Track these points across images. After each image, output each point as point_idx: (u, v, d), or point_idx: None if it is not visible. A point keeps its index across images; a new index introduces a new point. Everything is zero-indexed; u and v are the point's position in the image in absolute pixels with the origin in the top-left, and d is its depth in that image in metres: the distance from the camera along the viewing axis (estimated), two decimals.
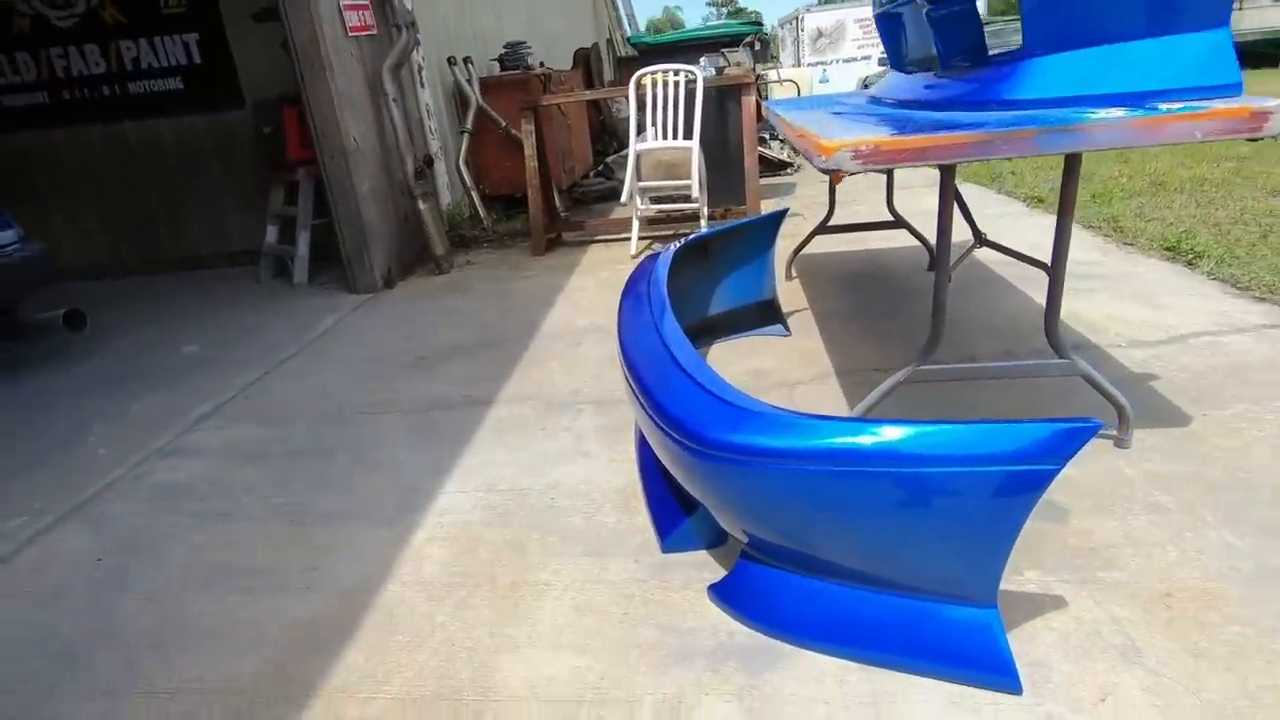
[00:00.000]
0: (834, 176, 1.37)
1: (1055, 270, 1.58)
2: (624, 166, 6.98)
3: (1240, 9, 19.53)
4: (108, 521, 1.86)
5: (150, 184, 4.61)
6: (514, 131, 5.03)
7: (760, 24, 5.47)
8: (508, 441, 2.04)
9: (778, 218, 2.52)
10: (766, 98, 7.20)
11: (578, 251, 4.31)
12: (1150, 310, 2.50)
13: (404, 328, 3.23)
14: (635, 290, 1.93)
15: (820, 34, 12.92)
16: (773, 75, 8.11)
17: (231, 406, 2.52)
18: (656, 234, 4.33)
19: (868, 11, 13.50)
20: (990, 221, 3.71)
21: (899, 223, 3.16)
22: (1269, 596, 1.22)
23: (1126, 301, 2.60)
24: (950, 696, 1.08)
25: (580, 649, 1.26)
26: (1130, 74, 1.42)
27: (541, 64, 5.72)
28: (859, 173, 1.36)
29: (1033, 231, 3.55)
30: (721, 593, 1.30)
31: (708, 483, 1.24)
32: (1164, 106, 1.31)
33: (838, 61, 12.91)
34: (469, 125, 4.97)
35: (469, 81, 5.04)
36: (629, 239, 4.10)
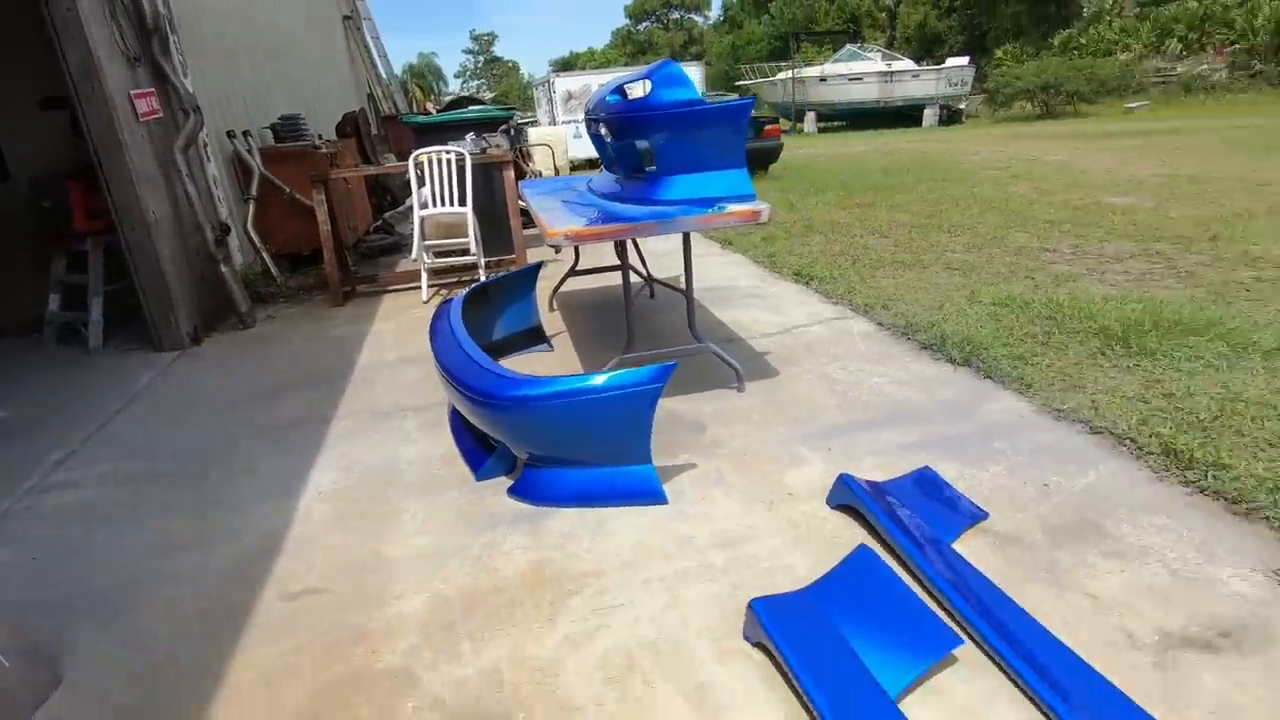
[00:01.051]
0: (557, 249, 2.41)
1: (688, 296, 2.79)
2: (402, 221, 7.72)
3: (890, 82, 24.85)
4: (21, 537, 2.30)
5: None
6: (298, 196, 5.58)
7: (514, 108, 6.57)
8: (353, 440, 2.80)
9: (536, 268, 3.56)
10: (530, 157, 8.35)
11: (373, 301, 5.00)
12: (778, 315, 3.92)
13: (230, 374, 3.73)
14: (439, 322, 2.82)
15: (570, 96, 14.56)
16: (533, 137, 9.31)
17: (85, 450, 2.93)
18: (442, 281, 5.17)
19: (610, 77, 15.50)
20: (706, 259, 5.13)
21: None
22: (756, 447, 2.44)
23: (767, 310, 4.02)
24: (635, 510, 2.13)
25: (434, 534, 2.12)
26: (709, 188, 2.65)
27: (321, 136, 6.28)
28: (570, 246, 2.42)
29: (728, 268, 5.02)
30: (514, 490, 2.25)
31: (499, 423, 2.18)
32: (719, 206, 2.55)
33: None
34: (254, 192, 5.41)
35: (250, 152, 5.49)
36: (419, 288, 4.90)
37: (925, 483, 2.09)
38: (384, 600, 1.84)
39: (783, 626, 1.50)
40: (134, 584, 2.01)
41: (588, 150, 15.07)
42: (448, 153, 4.71)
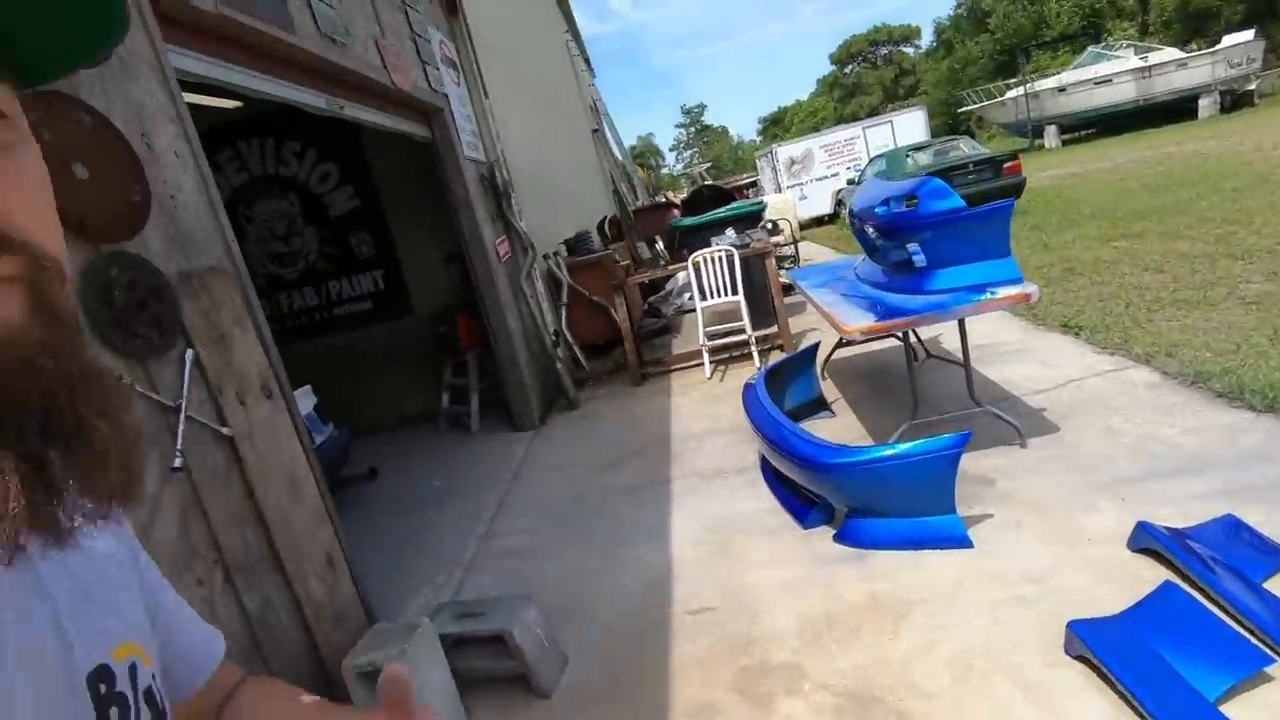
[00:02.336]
0: (851, 342, 3.04)
1: (966, 368, 3.23)
2: (664, 303, 8.82)
3: (1149, 77, 22.16)
4: (491, 569, 3.41)
5: (349, 374, 6.39)
6: (595, 298, 6.88)
7: (763, 203, 7.41)
8: (693, 499, 3.62)
9: (814, 349, 4.22)
10: (774, 230, 9.18)
11: (663, 380, 6.01)
12: (1049, 369, 4.12)
13: (575, 447, 4.86)
14: (751, 400, 3.57)
15: (793, 162, 15.34)
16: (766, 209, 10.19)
17: (503, 510, 4.11)
18: (719, 359, 6.04)
19: (829, 139, 16.07)
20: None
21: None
22: (1048, 497, 2.75)
23: (1036, 365, 4.23)
24: (945, 553, 2.61)
25: (783, 569, 2.79)
26: (976, 276, 3.12)
27: (607, 247, 7.67)
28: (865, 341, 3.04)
29: (986, 323, 5.25)
30: (840, 536, 2.86)
31: (825, 484, 2.82)
32: (989, 293, 3.00)
33: (811, 181, 15.28)
34: (564, 299, 6.81)
35: (559, 268, 6.93)
36: (701, 365, 5.80)
37: (1229, 528, 2.31)
38: (760, 616, 2.53)
39: (1102, 643, 1.91)
40: (576, 599, 2.94)
41: (811, 210, 15.69)
42: (721, 251, 5.61)
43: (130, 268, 1.85)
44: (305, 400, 4.13)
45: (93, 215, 1.76)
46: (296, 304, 6.32)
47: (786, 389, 4.16)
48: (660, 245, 12.28)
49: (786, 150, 15.84)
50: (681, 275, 7.67)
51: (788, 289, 7.69)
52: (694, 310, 5.93)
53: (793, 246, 9.88)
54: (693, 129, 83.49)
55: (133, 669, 0.47)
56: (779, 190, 15.36)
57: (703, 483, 3.77)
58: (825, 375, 4.89)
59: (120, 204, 1.88)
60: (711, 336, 5.76)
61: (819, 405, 4.24)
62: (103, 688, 0.44)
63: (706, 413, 4.87)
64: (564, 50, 14.39)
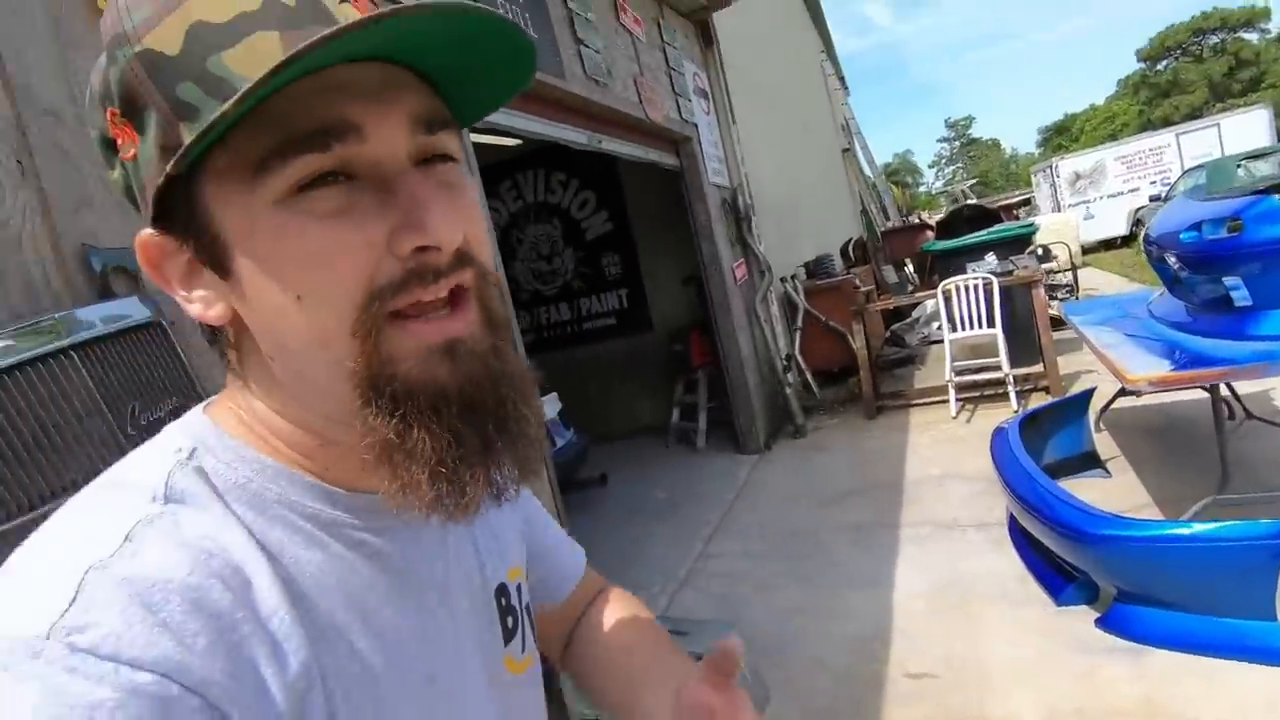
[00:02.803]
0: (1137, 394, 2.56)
1: None
2: (910, 331, 8.24)
3: None
4: (701, 589, 3.45)
5: (590, 384, 6.92)
6: (831, 323, 6.65)
7: (1033, 225, 6.56)
8: (924, 548, 3.31)
9: (1088, 395, 3.63)
10: (1045, 257, 8.12)
11: (900, 415, 5.60)
12: None
13: (798, 476, 4.72)
14: (1000, 446, 3.17)
15: (1078, 177, 13.42)
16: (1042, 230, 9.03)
17: (721, 530, 4.13)
18: (968, 396, 5.47)
19: (1128, 149, 13.76)
20: None
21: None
22: None
23: None
24: (1251, 668, 2.08)
25: (1026, 646, 2.43)
26: None
27: (850, 270, 7.41)
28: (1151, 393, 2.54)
29: None
30: (1104, 622, 2.41)
31: (1089, 557, 2.41)
32: None
33: (1101, 198, 13.21)
34: (799, 324, 6.68)
35: (795, 291, 6.83)
36: (946, 402, 5.31)
37: None
38: (994, 695, 2.23)
39: None
40: (783, 637, 2.84)
41: (1098, 232, 13.48)
42: (977, 279, 5.10)
43: None
44: (550, 406, 4.55)
45: None
46: (553, 318, 7.01)
47: (1049, 439, 3.63)
48: (910, 269, 11.50)
49: (1070, 164, 13.84)
50: (930, 303, 7.12)
51: (1059, 323, 6.74)
52: (941, 341, 5.46)
53: (1070, 274, 8.62)
54: (957, 143, 77.15)
55: (519, 588, 0.61)
56: (1057, 209, 13.48)
57: (936, 533, 3.44)
58: (1101, 427, 4.18)
59: None
60: (960, 372, 5.24)
61: (1089, 462, 3.63)
62: (502, 600, 0.58)
63: (947, 455, 4.43)
64: (818, 71, 14.22)
